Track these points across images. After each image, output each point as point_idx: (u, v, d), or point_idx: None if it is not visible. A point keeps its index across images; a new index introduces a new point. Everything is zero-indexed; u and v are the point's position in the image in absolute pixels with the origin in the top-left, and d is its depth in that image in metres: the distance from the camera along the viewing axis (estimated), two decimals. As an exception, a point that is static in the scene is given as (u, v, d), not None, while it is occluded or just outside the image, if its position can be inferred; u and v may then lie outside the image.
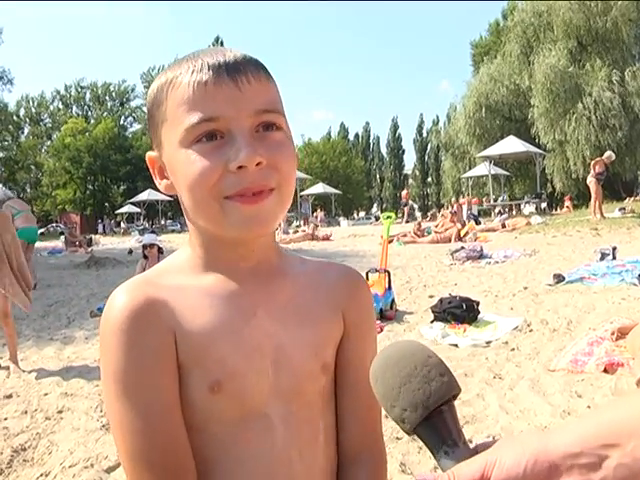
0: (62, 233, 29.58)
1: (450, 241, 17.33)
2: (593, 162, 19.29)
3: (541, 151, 33.04)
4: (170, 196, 1.25)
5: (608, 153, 19.37)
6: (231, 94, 0.97)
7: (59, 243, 26.28)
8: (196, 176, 0.97)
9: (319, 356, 1.11)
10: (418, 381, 0.80)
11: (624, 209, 20.49)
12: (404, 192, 32.46)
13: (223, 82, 0.98)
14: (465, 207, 27.08)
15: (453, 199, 28.77)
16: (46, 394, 4.94)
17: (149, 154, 1.11)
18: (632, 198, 28.50)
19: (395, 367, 0.83)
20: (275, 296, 1.11)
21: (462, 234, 18.32)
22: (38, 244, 23.46)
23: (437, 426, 0.80)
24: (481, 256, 12.89)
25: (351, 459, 1.18)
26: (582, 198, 31.19)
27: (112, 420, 1.03)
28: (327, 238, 22.39)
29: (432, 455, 0.80)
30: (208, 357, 1.02)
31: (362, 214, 76.81)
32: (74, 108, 78.86)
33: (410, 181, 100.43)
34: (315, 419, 1.12)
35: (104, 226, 50.08)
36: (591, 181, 18.73)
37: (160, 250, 9.34)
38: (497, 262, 12.40)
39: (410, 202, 30.89)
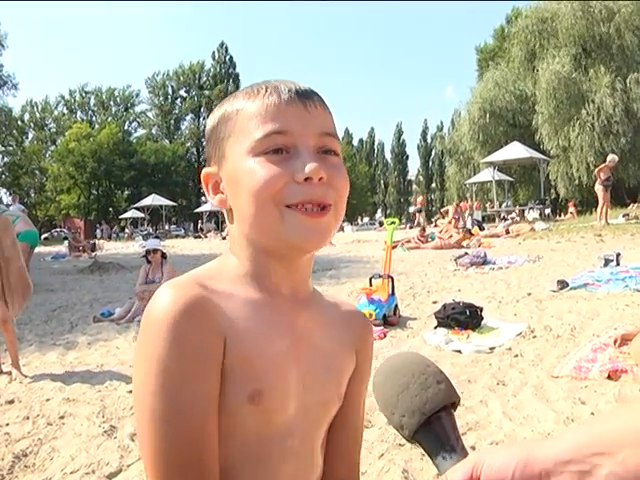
0: (66, 238, 29.62)
1: (454, 247, 17.30)
2: (597, 170, 19.26)
3: (545, 157, 33.04)
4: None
5: (610, 156, 19.32)
6: (301, 114, 1.05)
7: (63, 248, 26.32)
8: (262, 182, 1.01)
9: (339, 384, 1.16)
10: (415, 388, 0.83)
11: (628, 215, 20.48)
12: (420, 198, 32.33)
13: (294, 102, 1.06)
14: (467, 212, 27.07)
15: (451, 204, 28.65)
16: (48, 400, 4.92)
17: (205, 170, 1.15)
18: (636, 204, 28.46)
19: (394, 376, 0.86)
20: (310, 321, 1.14)
21: (464, 242, 18.27)
22: (42, 249, 23.61)
23: (435, 432, 0.81)
24: (485, 262, 12.87)
25: None
26: (586, 204, 31.18)
27: (142, 415, 0.98)
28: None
29: (431, 460, 0.81)
30: (251, 366, 1.02)
31: (366, 219, 76.88)
32: (78, 113, 79.24)
33: (414, 187, 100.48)
34: (318, 450, 1.17)
35: (102, 231, 49.85)
36: (599, 188, 18.71)
37: (163, 255, 9.35)
38: (501, 268, 12.38)
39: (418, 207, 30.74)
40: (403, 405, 0.83)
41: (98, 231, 50.50)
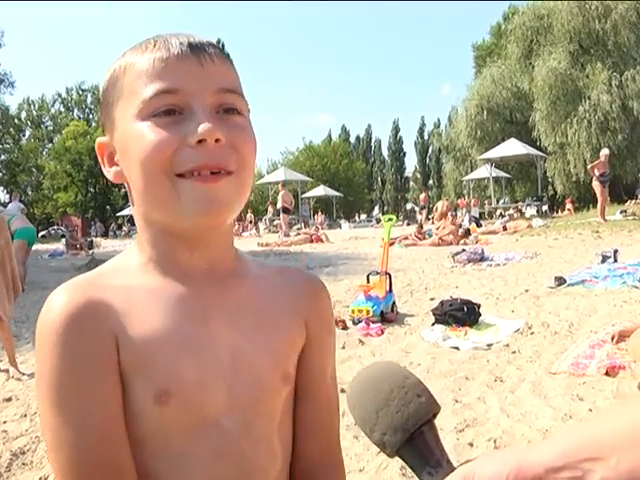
0: (63, 236, 29.55)
1: (451, 244, 17.30)
2: (590, 167, 19.30)
3: (542, 154, 33.09)
4: (120, 187, 1.19)
5: (602, 151, 19.34)
6: (193, 69, 0.94)
7: (60, 246, 26.27)
8: (150, 148, 0.91)
9: (280, 364, 1.05)
10: (396, 404, 0.80)
11: (625, 212, 20.48)
12: (422, 195, 32.26)
13: (187, 57, 0.94)
14: (464, 209, 27.07)
15: (444, 201, 28.64)
16: (44, 397, 4.92)
17: (98, 140, 1.04)
18: (633, 201, 28.50)
19: (372, 391, 0.82)
20: (232, 300, 1.04)
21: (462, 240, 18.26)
22: (39, 247, 23.54)
23: (419, 447, 0.79)
24: (482, 259, 12.86)
25: (309, 475, 1.13)
26: (583, 201, 31.23)
27: (45, 432, 0.94)
28: (319, 240, 22.04)
29: (417, 476, 0.79)
30: (154, 365, 0.94)
31: (363, 217, 76.80)
32: (75, 111, 78.99)
33: (411, 184, 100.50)
34: (271, 433, 1.05)
35: (96, 229, 49.47)
36: (596, 185, 18.73)
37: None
38: (498, 265, 12.37)
39: (420, 205, 30.65)
40: (384, 422, 0.79)
41: (92, 229, 50.18)
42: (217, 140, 0.91)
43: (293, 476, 1.13)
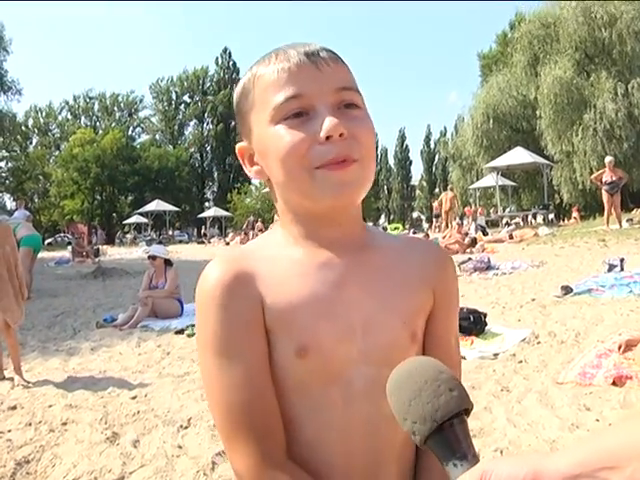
0: (69, 243, 29.62)
1: (457, 252, 17.29)
2: (593, 177, 19.25)
3: (548, 162, 32.99)
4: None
5: (606, 159, 19.31)
6: (312, 74, 1.08)
7: (66, 253, 26.33)
8: (287, 147, 1.06)
9: (408, 324, 1.17)
10: (427, 395, 0.83)
11: (632, 220, 20.40)
12: (435, 203, 32.13)
13: (304, 64, 1.09)
14: (470, 217, 27.02)
15: (448, 193, 28.48)
16: (50, 406, 4.92)
17: (239, 145, 1.21)
18: (640, 209, 28.43)
19: (407, 382, 0.86)
20: (363, 266, 1.18)
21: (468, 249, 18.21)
22: (45, 254, 23.60)
23: (447, 439, 0.82)
24: (488, 267, 12.85)
25: None
26: (590, 209, 31.12)
27: (208, 382, 1.13)
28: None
29: (442, 466, 0.81)
30: (294, 323, 1.10)
31: (370, 225, 76.78)
32: (82, 118, 79.26)
33: (417, 192, 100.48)
34: None
35: (98, 238, 48.62)
36: (603, 193, 18.71)
37: (168, 262, 9.35)
38: (504, 273, 12.36)
39: (418, 213, 30.55)
40: (415, 411, 0.83)
41: (94, 237, 49.54)
42: (341, 134, 1.05)
43: None
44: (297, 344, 1.09)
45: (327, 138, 1.04)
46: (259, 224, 35.92)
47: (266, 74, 1.11)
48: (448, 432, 0.82)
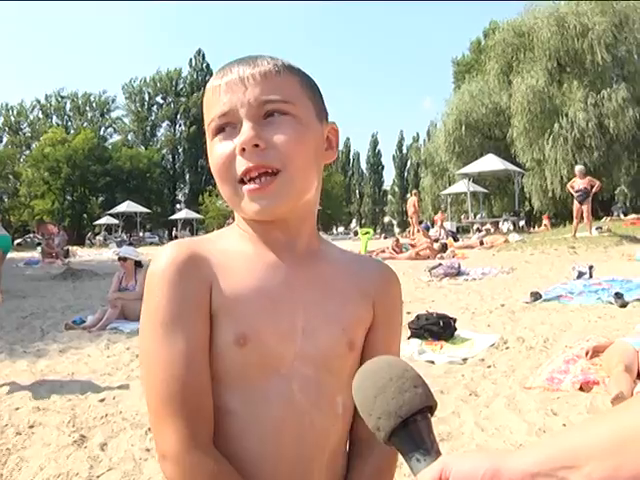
0: (39, 244, 29.31)
1: (428, 257, 17.36)
2: (569, 185, 19.41)
3: (519, 169, 33.31)
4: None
5: (576, 168, 19.50)
6: (237, 89, 1.11)
7: (35, 254, 26.05)
8: (216, 160, 1.13)
9: (346, 332, 1.19)
10: (392, 391, 0.85)
11: (601, 228, 20.65)
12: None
13: (232, 80, 1.12)
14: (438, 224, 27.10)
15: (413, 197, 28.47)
16: (17, 408, 4.85)
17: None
18: (609, 217, 28.76)
19: (373, 378, 0.88)
20: (311, 273, 1.21)
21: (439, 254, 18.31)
22: (15, 254, 23.34)
23: (411, 434, 0.83)
24: (459, 273, 12.93)
25: (364, 444, 1.25)
26: (560, 217, 31.46)
27: (144, 357, 1.14)
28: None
29: (406, 462, 0.83)
30: (237, 311, 1.12)
31: (341, 229, 76.99)
32: (54, 118, 78.40)
33: (389, 197, 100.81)
34: (334, 392, 1.18)
35: (60, 238, 45.85)
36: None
37: (138, 264, 9.28)
38: (475, 279, 12.44)
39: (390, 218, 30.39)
40: (380, 407, 0.84)
41: (56, 239, 47.65)
42: (256, 145, 1.08)
43: (352, 444, 1.28)
44: (237, 332, 1.10)
45: (243, 150, 1.08)
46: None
47: (207, 91, 1.16)
48: (412, 428, 0.83)
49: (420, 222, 29.57)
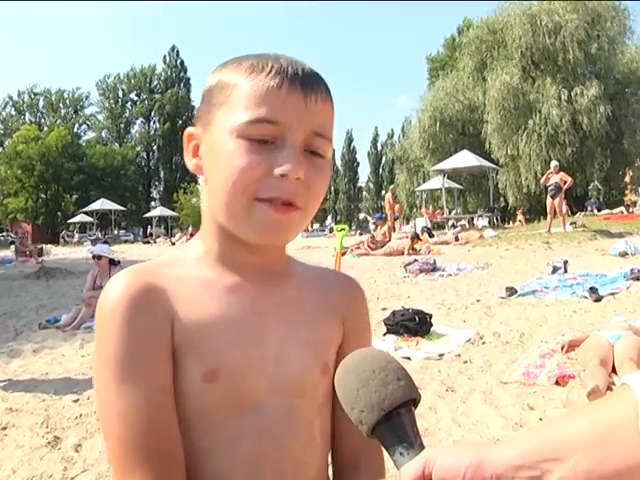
0: (12, 242, 29.03)
1: (403, 253, 17.39)
2: (543, 180, 19.50)
3: (494, 166, 33.47)
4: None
5: (552, 163, 19.61)
6: (298, 106, 1.01)
7: (9, 253, 25.82)
8: (239, 169, 0.99)
9: (319, 356, 1.14)
10: (375, 384, 0.83)
11: (575, 223, 20.82)
12: (397, 206, 31.30)
13: (295, 92, 1.01)
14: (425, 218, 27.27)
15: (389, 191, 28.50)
16: (-10, 409, 4.80)
17: (189, 129, 1.12)
18: (583, 213, 29.01)
19: (356, 371, 0.86)
20: (279, 294, 1.14)
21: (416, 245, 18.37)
22: (-14, 254, 23.07)
23: (394, 428, 0.82)
24: (434, 269, 12.95)
25: (349, 466, 1.21)
26: (534, 212, 31.68)
27: (105, 403, 1.02)
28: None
29: (389, 456, 0.82)
30: (203, 345, 1.03)
31: (316, 226, 76.96)
32: (27, 115, 77.71)
33: (364, 194, 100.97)
34: (310, 419, 1.13)
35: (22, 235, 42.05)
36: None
37: (113, 262, 9.20)
38: (450, 275, 12.47)
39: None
40: (363, 400, 0.83)
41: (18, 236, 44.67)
42: (298, 178, 0.99)
43: (335, 467, 1.23)
44: (205, 368, 1.02)
45: (282, 176, 0.99)
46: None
47: (253, 82, 1.01)
48: (395, 421, 0.82)
49: (396, 218, 29.68)
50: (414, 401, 0.86)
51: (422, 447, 0.81)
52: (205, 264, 1.11)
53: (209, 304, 1.06)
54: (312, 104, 1.02)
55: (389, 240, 19.82)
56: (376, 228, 20.34)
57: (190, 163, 1.12)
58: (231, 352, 1.04)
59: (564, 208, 19.61)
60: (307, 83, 1.03)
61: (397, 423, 0.82)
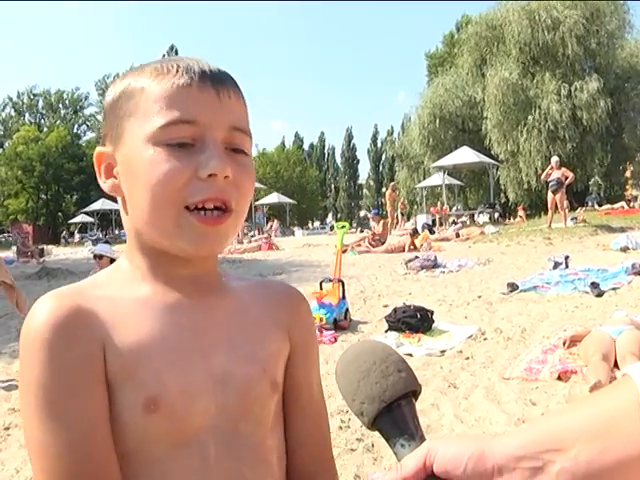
0: (14, 243, 29.02)
1: (404, 250, 17.39)
2: (544, 175, 19.46)
3: (494, 162, 33.45)
4: (112, 199, 1.17)
5: (552, 159, 19.58)
6: (212, 102, 0.96)
7: (10, 253, 25.81)
8: (162, 177, 0.93)
9: (267, 373, 1.06)
10: (376, 375, 0.83)
11: (576, 219, 20.81)
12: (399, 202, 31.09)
13: (207, 89, 0.96)
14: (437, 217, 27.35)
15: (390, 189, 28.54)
16: (-8, 409, 4.80)
17: (99, 149, 1.05)
18: (583, 208, 29.00)
19: (356, 363, 0.86)
20: (218, 312, 1.06)
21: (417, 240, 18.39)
22: (-13, 255, 23.06)
23: (395, 419, 0.82)
24: (435, 265, 12.94)
25: None
26: (535, 208, 31.68)
27: (30, 442, 0.92)
28: (270, 247, 22.33)
29: (390, 448, 0.81)
30: (142, 372, 0.94)
31: (317, 224, 76.93)
32: (27, 116, 77.61)
33: (365, 191, 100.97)
34: (263, 440, 1.05)
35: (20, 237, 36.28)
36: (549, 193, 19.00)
37: (114, 261, 9.18)
38: (451, 271, 12.46)
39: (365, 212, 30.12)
40: (363, 392, 0.83)
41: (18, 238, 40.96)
42: (226, 177, 0.95)
43: None
44: (145, 397, 0.92)
45: (210, 175, 0.93)
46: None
47: (161, 85, 0.96)
48: (396, 413, 0.82)
49: (401, 215, 29.73)
50: (415, 393, 0.85)
51: (423, 439, 0.81)
52: (136, 283, 1.03)
53: (144, 326, 0.97)
54: (226, 99, 0.98)
55: (388, 234, 19.86)
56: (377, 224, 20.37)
57: (105, 185, 1.05)
58: (172, 377, 0.95)
59: (565, 203, 19.55)
60: (217, 80, 0.98)
61: (398, 415, 0.82)
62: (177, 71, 0.97)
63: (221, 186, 0.95)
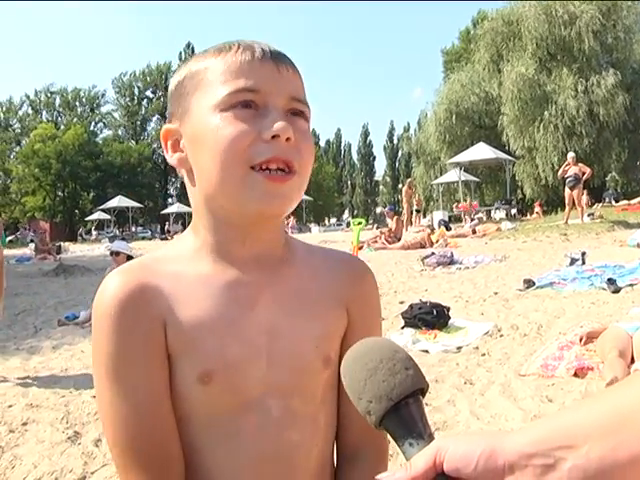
0: (32, 240, 29.18)
1: (421, 246, 17.36)
2: (561, 172, 19.34)
3: (511, 158, 33.33)
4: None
5: (569, 154, 19.47)
6: (273, 74, 1.02)
7: (27, 251, 25.98)
8: (228, 139, 0.99)
9: (321, 349, 1.10)
10: (383, 374, 0.82)
11: (592, 215, 20.69)
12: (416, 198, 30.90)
13: (267, 62, 1.03)
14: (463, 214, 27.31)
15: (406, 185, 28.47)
16: (10, 406, 4.83)
17: (166, 126, 1.11)
18: (600, 204, 28.81)
19: (362, 360, 0.84)
20: (278, 287, 1.10)
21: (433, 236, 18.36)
22: (6, 251, 23.13)
23: (402, 418, 0.80)
24: (452, 262, 12.92)
25: (350, 455, 1.19)
26: (552, 204, 31.51)
27: (100, 405, 1.04)
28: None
29: (398, 447, 0.80)
30: (198, 347, 1.02)
31: (333, 220, 77.00)
32: (44, 114, 78.11)
33: (381, 187, 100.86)
34: (315, 414, 1.11)
35: (36, 235, 31.24)
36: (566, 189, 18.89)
37: (130, 258, 9.23)
38: (467, 268, 12.43)
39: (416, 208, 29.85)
40: (370, 390, 0.81)
41: (30, 234, 40.63)
42: (288, 139, 0.99)
43: (337, 454, 1.21)
44: (200, 370, 1.01)
45: (273, 137, 0.98)
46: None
47: (225, 60, 1.03)
48: (404, 411, 0.81)
49: (417, 211, 29.62)
50: (422, 390, 0.84)
51: (431, 437, 0.80)
52: (200, 259, 1.08)
53: (205, 303, 1.04)
54: (285, 72, 1.04)
55: (402, 230, 19.85)
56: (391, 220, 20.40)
57: (172, 159, 1.10)
58: (227, 352, 1.03)
59: (584, 199, 19.43)
60: (276, 55, 1.05)
61: (406, 413, 0.81)
62: (239, 48, 1.04)
63: (284, 147, 0.99)
